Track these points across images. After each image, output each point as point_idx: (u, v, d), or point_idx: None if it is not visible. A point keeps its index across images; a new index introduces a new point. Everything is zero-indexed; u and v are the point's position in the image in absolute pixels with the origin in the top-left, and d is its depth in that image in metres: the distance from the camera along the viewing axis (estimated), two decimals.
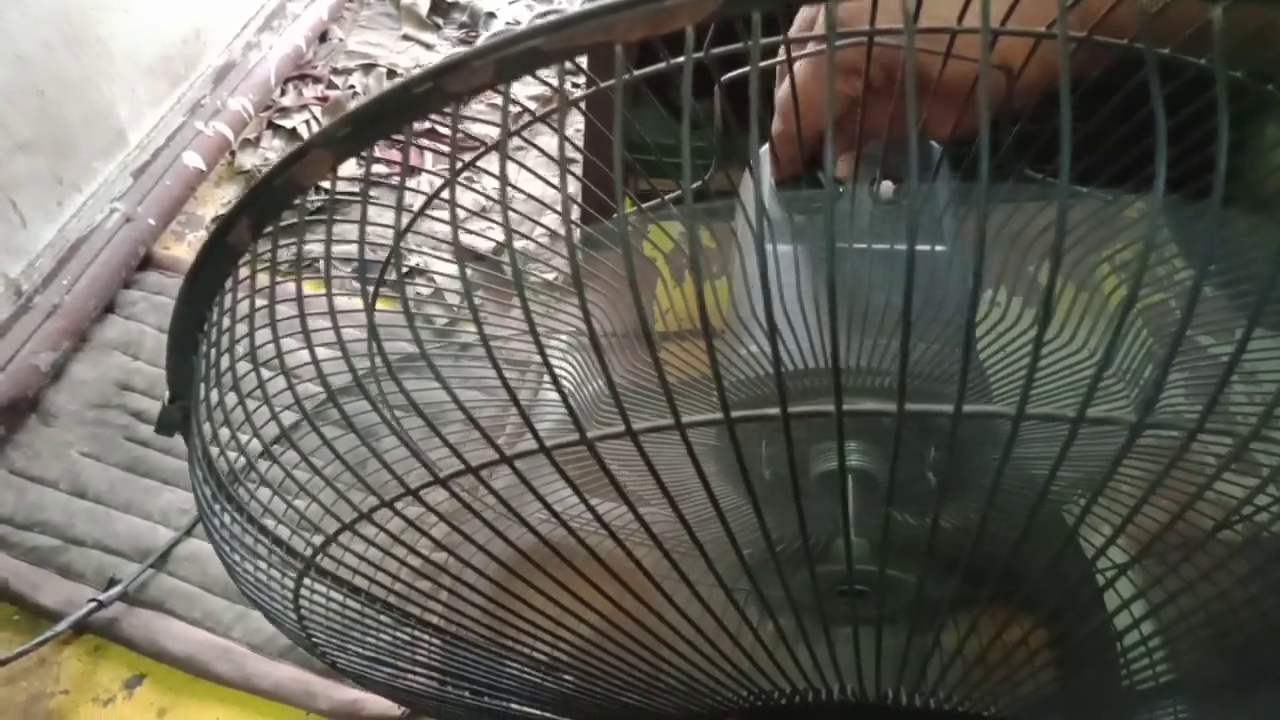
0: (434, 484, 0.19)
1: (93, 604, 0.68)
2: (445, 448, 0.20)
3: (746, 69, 0.31)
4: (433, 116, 0.18)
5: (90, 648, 0.69)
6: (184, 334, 0.23)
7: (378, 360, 0.21)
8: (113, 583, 0.70)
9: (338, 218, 0.21)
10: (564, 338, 0.46)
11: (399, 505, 0.20)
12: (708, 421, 0.18)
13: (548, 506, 0.20)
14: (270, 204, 0.19)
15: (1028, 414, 0.17)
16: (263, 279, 0.21)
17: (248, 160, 1.08)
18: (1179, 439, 0.20)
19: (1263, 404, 0.21)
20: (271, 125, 1.12)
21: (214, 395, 0.22)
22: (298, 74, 1.18)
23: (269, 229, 0.20)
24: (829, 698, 0.27)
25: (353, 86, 1.17)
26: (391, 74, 1.19)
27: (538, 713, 0.31)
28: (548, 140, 0.33)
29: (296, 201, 0.19)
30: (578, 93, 0.28)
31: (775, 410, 0.17)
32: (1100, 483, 0.19)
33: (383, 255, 0.30)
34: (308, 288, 0.21)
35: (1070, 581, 0.29)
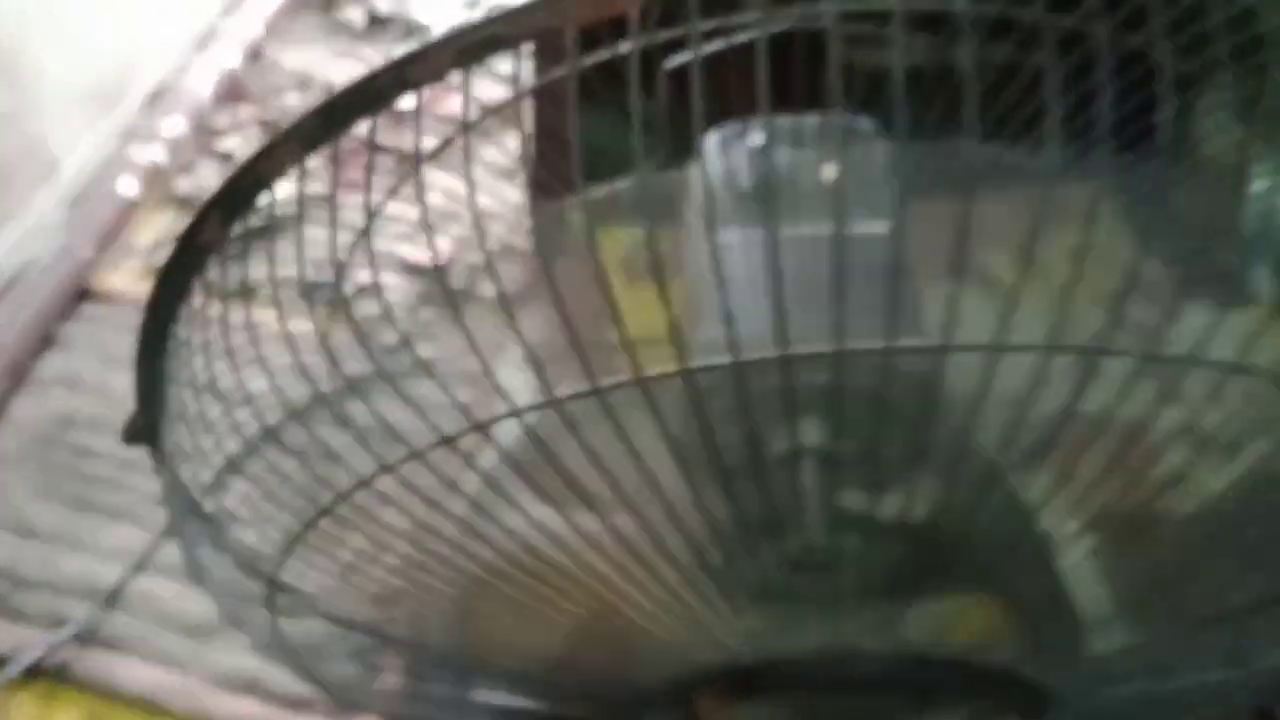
0: (412, 458, 0.20)
1: (44, 647, 0.66)
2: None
3: (691, 55, 0.32)
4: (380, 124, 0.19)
5: (43, 692, 0.67)
6: (151, 342, 0.23)
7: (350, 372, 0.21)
8: (63, 624, 0.69)
9: (283, 236, 0.22)
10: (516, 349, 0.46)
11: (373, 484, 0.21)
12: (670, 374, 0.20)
13: (554, 508, 0.21)
14: (240, 198, 0.19)
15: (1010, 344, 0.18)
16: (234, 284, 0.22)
17: (183, 185, 1.06)
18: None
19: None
20: (207, 149, 1.10)
21: (186, 400, 0.22)
22: (232, 95, 1.16)
23: (238, 223, 0.20)
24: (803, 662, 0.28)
25: (289, 106, 1.16)
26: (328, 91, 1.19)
27: (521, 703, 0.32)
28: (493, 152, 0.34)
29: (264, 197, 0.19)
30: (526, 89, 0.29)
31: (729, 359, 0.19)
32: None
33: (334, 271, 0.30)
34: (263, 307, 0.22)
35: (1026, 550, 0.31)
